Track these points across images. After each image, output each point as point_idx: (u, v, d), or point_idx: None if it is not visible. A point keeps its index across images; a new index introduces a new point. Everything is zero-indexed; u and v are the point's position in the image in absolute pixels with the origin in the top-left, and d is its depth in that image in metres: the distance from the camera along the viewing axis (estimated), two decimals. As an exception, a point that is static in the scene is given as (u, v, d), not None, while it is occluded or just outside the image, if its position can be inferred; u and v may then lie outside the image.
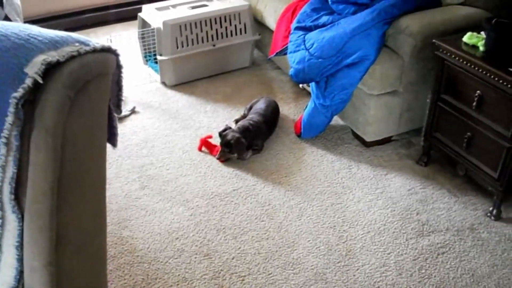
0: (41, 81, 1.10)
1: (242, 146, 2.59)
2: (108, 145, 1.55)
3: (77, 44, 1.17)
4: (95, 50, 1.19)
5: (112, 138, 1.42)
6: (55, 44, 1.15)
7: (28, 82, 1.09)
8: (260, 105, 2.89)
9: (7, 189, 1.15)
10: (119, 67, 1.34)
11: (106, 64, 1.23)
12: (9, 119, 1.10)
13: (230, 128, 2.68)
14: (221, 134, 2.65)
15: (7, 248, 1.20)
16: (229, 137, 2.58)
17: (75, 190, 1.18)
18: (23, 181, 1.15)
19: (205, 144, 2.70)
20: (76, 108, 1.14)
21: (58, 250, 1.16)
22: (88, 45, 1.18)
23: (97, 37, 3.90)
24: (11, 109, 1.10)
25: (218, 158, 2.61)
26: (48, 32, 1.18)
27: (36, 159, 1.12)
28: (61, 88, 1.11)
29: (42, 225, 1.14)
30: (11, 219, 1.18)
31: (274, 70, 3.52)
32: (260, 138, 2.69)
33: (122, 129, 2.91)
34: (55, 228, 1.15)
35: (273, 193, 2.42)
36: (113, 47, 1.27)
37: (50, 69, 1.12)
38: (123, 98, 1.41)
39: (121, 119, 3.00)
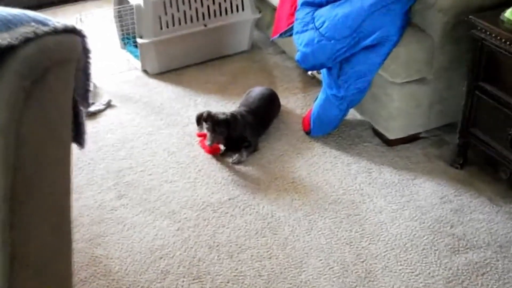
0: (-11, 69, 1.10)
1: (239, 123, 2.65)
2: (75, 146, 1.55)
3: (33, 24, 1.16)
4: (56, 31, 1.18)
5: (78, 137, 1.42)
6: (7, 24, 1.14)
7: (-26, 70, 1.09)
8: (252, 95, 2.92)
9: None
10: (86, 51, 1.33)
11: (70, 47, 1.23)
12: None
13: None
14: (200, 119, 2.68)
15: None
16: (221, 115, 2.64)
17: (32, 201, 1.17)
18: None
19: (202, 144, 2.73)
20: (33, 101, 1.13)
21: (13, 274, 1.15)
22: (46, 24, 1.18)
23: (66, 17, 3.89)
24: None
25: (210, 144, 2.63)
26: (-2, 10, 1.18)
27: (-16, 164, 1.11)
28: (14, 78, 1.11)
29: (-8, 243, 1.13)
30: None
31: (277, 55, 3.51)
32: (248, 131, 2.70)
33: (95, 126, 2.91)
34: (9, 247, 1.14)
35: (276, 203, 2.41)
36: (80, 27, 1.27)
37: (1, 55, 1.11)
38: (91, 89, 1.41)
39: (94, 114, 2.99)
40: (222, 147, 2.70)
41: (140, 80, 3.32)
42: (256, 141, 2.73)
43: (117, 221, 2.33)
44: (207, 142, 2.64)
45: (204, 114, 2.66)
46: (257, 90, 2.95)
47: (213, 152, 2.67)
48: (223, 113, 2.68)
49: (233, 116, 2.67)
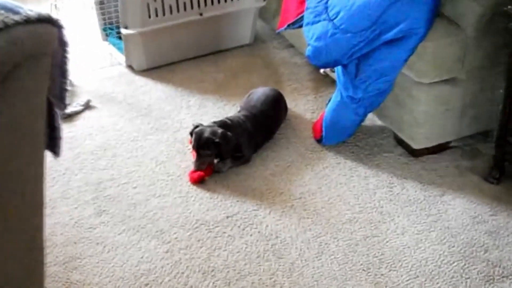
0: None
1: (231, 143, 2.61)
2: (49, 154, 1.55)
3: (1, 12, 1.16)
4: (28, 21, 1.18)
5: (53, 144, 1.42)
6: (-29, 12, 1.14)
7: None
8: (253, 98, 2.91)
9: None
10: (63, 44, 1.33)
11: (45, 39, 1.23)
12: None
13: (201, 125, 2.69)
14: (192, 134, 2.66)
15: None
16: (207, 133, 2.59)
17: (-3, 218, 1.17)
18: None
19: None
20: (0, 103, 1.13)
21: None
22: (17, 13, 1.17)
23: (39, 4, 3.90)
24: None
25: (196, 169, 2.59)
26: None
27: None
28: (-21, 74, 1.11)
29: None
30: None
31: (284, 49, 3.51)
32: (244, 142, 2.69)
33: (71, 131, 2.91)
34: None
35: (282, 222, 2.41)
36: (55, 15, 1.27)
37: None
38: (69, 88, 1.40)
39: (71, 117, 2.99)
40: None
41: (125, 78, 3.32)
42: (250, 154, 2.72)
43: (96, 241, 2.32)
44: (194, 167, 2.60)
45: (207, 134, 2.58)
46: (259, 92, 2.94)
47: (196, 180, 2.59)
48: (212, 129, 2.59)
49: (223, 135, 2.58)
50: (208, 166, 2.62)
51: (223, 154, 2.62)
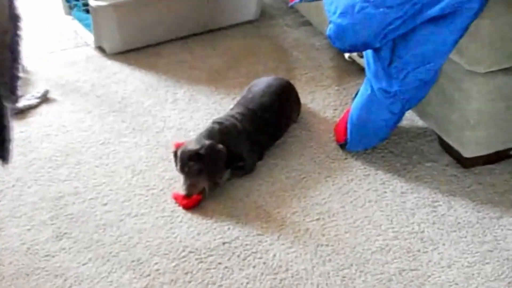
0: None
1: (221, 158, 2.60)
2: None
3: None
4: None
5: (1, 148, 1.41)
6: None
7: None
8: (253, 89, 2.91)
9: None
10: (14, 18, 1.35)
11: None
12: None
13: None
14: (176, 153, 2.64)
15: None
16: (191, 146, 2.60)
17: None
18: None
19: None
20: None
21: None
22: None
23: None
24: None
25: (187, 195, 2.59)
26: None
27: None
28: None
29: None
30: None
31: (299, 28, 3.52)
32: (244, 147, 2.71)
33: (24, 130, 2.93)
34: None
35: (294, 250, 2.42)
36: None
37: None
38: (21, 75, 1.41)
39: (23, 112, 3.02)
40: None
41: (93, 62, 3.35)
42: (253, 161, 2.75)
43: (55, 272, 2.34)
44: (184, 191, 2.60)
45: (190, 147, 2.60)
46: (262, 82, 2.94)
47: (191, 205, 2.61)
48: (197, 141, 2.61)
49: (210, 145, 2.59)
50: (197, 196, 2.62)
51: (212, 172, 2.61)
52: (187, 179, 2.59)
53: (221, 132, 2.68)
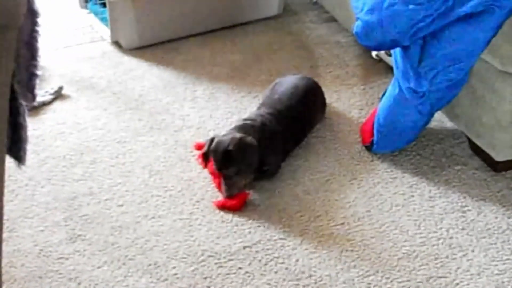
0: None
1: (253, 153, 2.60)
2: (10, 160, 1.55)
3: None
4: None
5: (16, 147, 1.42)
6: None
7: None
8: (278, 89, 2.91)
9: None
10: (33, 14, 1.34)
11: (9, 9, 1.23)
12: None
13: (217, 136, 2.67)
14: (208, 151, 2.62)
15: None
16: (225, 142, 2.57)
17: None
18: None
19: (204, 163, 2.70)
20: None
21: None
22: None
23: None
24: None
25: (227, 197, 2.59)
26: None
27: None
28: None
29: None
30: None
31: (324, 24, 3.50)
32: (271, 150, 2.70)
33: (37, 128, 2.92)
34: None
35: (318, 255, 2.40)
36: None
37: None
38: (39, 73, 1.41)
39: (37, 109, 3.01)
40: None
41: (109, 58, 3.34)
42: (278, 164, 2.74)
43: (68, 275, 2.32)
44: (224, 194, 2.60)
45: (224, 143, 2.57)
46: (287, 81, 2.94)
47: (240, 205, 2.59)
48: (231, 136, 2.59)
49: (242, 141, 2.58)
50: (242, 194, 2.62)
51: (240, 169, 2.59)
52: (226, 181, 2.59)
53: (254, 129, 2.68)
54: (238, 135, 2.60)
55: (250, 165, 2.61)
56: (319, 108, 2.98)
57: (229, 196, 2.58)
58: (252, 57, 3.32)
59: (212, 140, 2.63)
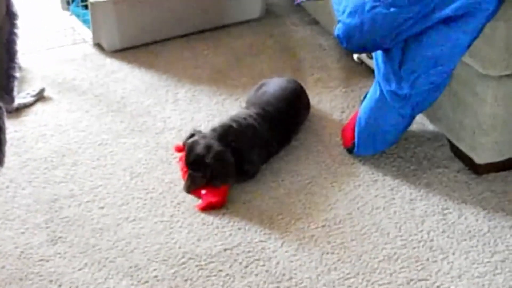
0: None
1: (228, 167, 2.62)
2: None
3: None
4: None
5: None
6: None
7: None
8: (267, 91, 2.91)
9: None
10: (11, 16, 1.34)
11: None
12: None
13: (200, 132, 2.70)
14: (184, 143, 2.68)
15: None
16: (199, 148, 2.60)
17: None
18: None
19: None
20: None
21: None
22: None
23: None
24: None
25: (187, 191, 2.62)
26: None
27: None
28: None
29: None
30: None
31: (306, 27, 3.50)
32: (255, 151, 2.71)
33: (18, 130, 2.91)
34: None
35: (298, 258, 2.40)
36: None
37: None
38: (17, 75, 1.41)
39: (18, 111, 3.00)
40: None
41: (91, 60, 3.33)
42: (258, 164, 2.73)
43: (49, 277, 2.32)
44: (184, 188, 2.64)
45: (198, 149, 2.60)
46: (274, 84, 2.94)
47: (222, 200, 2.61)
48: (207, 142, 2.61)
49: (218, 154, 2.59)
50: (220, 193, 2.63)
51: (216, 179, 2.61)
52: (190, 179, 2.62)
53: (236, 133, 2.68)
54: (216, 146, 2.60)
55: (224, 176, 2.62)
56: (304, 111, 2.98)
57: (187, 192, 2.62)
58: (234, 59, 3.32)
59: (191, 135, 2.67)
